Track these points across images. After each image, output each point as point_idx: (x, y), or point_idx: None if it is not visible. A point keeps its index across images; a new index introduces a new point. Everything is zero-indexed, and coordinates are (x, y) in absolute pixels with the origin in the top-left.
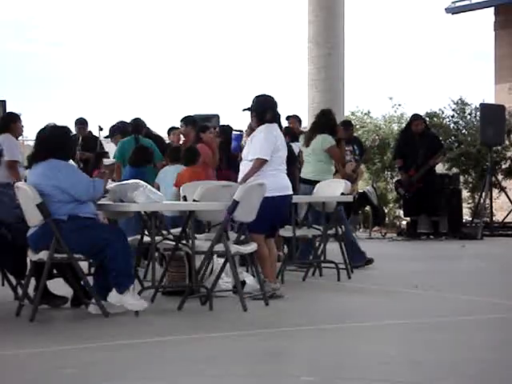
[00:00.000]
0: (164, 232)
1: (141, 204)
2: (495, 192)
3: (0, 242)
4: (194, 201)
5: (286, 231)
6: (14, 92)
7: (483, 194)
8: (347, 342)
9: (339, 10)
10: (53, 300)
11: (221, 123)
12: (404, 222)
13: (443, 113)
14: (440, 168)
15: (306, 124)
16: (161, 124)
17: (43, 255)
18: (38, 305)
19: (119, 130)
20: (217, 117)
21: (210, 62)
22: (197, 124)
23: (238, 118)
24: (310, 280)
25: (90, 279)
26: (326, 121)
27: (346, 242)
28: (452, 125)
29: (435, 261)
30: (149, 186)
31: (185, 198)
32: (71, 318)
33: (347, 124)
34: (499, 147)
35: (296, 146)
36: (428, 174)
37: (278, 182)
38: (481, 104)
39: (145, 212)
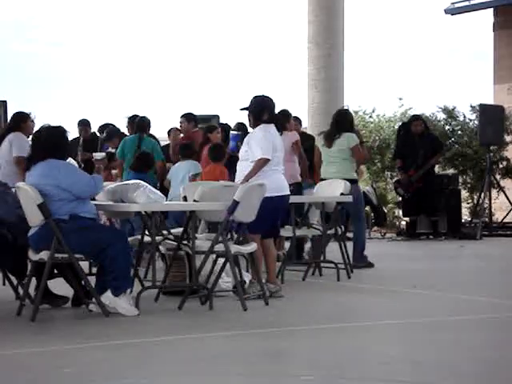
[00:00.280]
0: (164, 232)
1: (141, 204)
2: (494, 192)
3: (0, 242)
4: (195, 201)
5: (285, 231)
6: (14, 92)
7: (482, 194)
8: (347, 342)
9: (339, 10)
10: (53, 300)
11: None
12: (403, 222)
13: (436, 117)
14: (436, 168)
15: (305, 124)
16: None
17: (44, 255)
18: (39, 304)
19: (117, 134)
20: (217, 117)
21: (210, 62)
22: (197, 122)
23: (238, 119)
24: (310, 280)
25: (91, 279)
26: (346, 120)
27: (357, 241)
28: (447, 127)
29: (435, 261)
30: (149, 186)
31: (185, 198)
32: (72, 317)
33: None
34: (496, 147)
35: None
36: (427, 174)
37: (275, 183)
38: (480, 104)
39: (145, 212)
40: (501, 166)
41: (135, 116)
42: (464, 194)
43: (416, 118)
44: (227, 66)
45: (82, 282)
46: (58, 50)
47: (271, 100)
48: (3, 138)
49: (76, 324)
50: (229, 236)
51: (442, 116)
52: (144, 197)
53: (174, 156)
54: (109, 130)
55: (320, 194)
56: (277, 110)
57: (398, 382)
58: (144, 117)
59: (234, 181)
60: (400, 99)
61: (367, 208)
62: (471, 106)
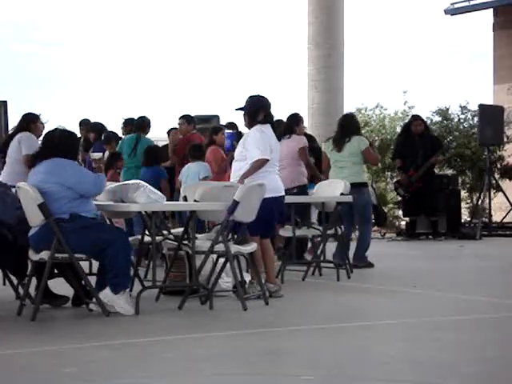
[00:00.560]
0: (165, 232)
1: (141, 204)
2: (492, 192)
3: (1, 242)
4: (195, 201)
5: (285, 231)
6: (14, 92)
7: (482, 194)
8: (347, 342)
9: (339, 10)
10: (54, 299)
11: (220, 123)
12: (403, 222)
13: (432, 121)
14: (435, 169)
15: (305, 124)
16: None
17: (44, 255)
18: (39, 304)
19: (114, 138)
20: (217, 117)
21: (210, 62)
22: (195, 124)
23: (237, 119)
24: (310, 280)
25: (91, 279)
26: (352, 124)
27: (362, 242)
28: (444, 128)
29: (435, 261)
30: (149, 186)
31: (185, 198)
32: (72, 317)
33: None
34: (494, 147)
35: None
36: (427, 174)
37: (271, 184)
38: (479, 104)
39: (145, 212)
40: (499, 165)
41: (131, 119)
42: (463, 194)
43: (416, 118)
44: (227, 66)
45: (83, 282)
46: (58, 50)
47: (267, 100)
48: (12, 138)
49: (76, 324)
50: (229, 236)
51: (437, 119)
52: (144, 197)
53: (173, 157)
54: (107, 133)
55: (320, 193)
56: (278, 112)
57: (398, 381)
58: (144, 117)
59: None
60: (404, 92)
61: None
62: (460, 107)
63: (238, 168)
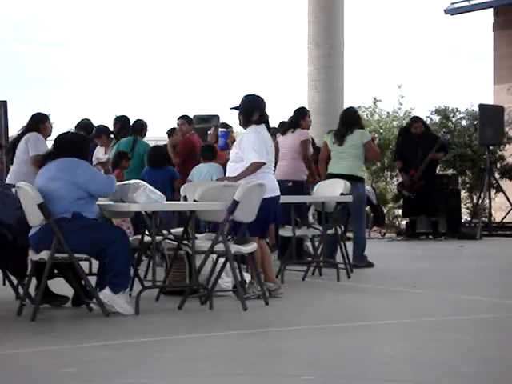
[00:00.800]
0: (164, 232)
1: (141, 204)
2: (492, 192)
3: (1, 242)
4: (195, 201)
5: (285, 231)
6: (14, 92)
7: (482, 194)
8: (347, 342)
9: (339, 10)
10: (54, 299)
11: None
12: (403, 222)
13: (432, 120)
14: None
15: None
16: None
17: (44, 255)
18: (39, 304)
19: (104, 131)
20: (217, 117)
21: (210, 62)
22: (194, 125)
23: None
24: (310, 280)
25: (91, 279)
26: (355, 118)
27: (357, 240)
28: (443, 129)
29: (435, 261)
30: (149, 186)
31: (185, 198)
32: (72, 317)
33: None
34: (494, 147)
35: None
36: (428, 174)
37: (269, 184)
38: (479, 104)
39: (145, 212)
40: (499, 165)
41: (123, 116)
42: (463, 194)
43: (416, 119)
44: (227, 65)
45: (83, 282)
46: (58, 50)
47: (262, 99)
48: (21, 138)
49: (76, 324)
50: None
51: (436, 119)
52: (144, 197)
53: (175, 158)
54: (96, 127)
55: (320, 193)
56: (278, 112)
57: (398, 381)
58: (140, 120)
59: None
60: (399, 87)
61: (367, 208)
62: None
63: (233, 169)
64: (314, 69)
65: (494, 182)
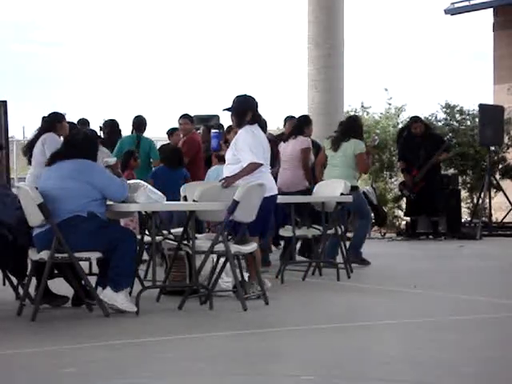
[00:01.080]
0: (164, 232)
1: (141, 204)
2: (493, 192)
3: (1, 242)
4: (194, 201)
5: (285, 231)
6: (14, 92)
7: (482, 194)
8: (347, 342)
9: (339, 10)
10: (54, 300)
11: (220, 123)
12: (403, 222)
13: (436, 117)
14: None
15: None
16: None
17: (44, 255)
18: (39, 304)
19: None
20: (217, 117)
21: (210, 62)
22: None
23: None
24: (310, 280)
25: (91, 279)
26: (355, 127)
27: (355, 236)
28: (447, 127)
29: (435, 261)
30: (149, 186)
31: (185, 198)
32: (72, 317)
33: None
34: (497, 147)
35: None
36: (430, 174)
37: (268, 184)
38: (479, 104)
39: (145, 212)
40: (500, 165)
41: (111, 120)
42: (464, 194)
43: (415, 119)
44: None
45: (83, 282)
46: (58, 50)
47: (254, 99)
48: (38, 138)
49: (76, 324)
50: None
51: (441, 116)
52: (144, 197)
53: (185, 158)
54: (78, 120)
55: (320, 193)
56: (278, 112)
57: (398, 381)
58: (140, 115)
59: None
60: (386, 90)
61: None
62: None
63: (230, 171)
64: (313, 69)
65: (495, 182)
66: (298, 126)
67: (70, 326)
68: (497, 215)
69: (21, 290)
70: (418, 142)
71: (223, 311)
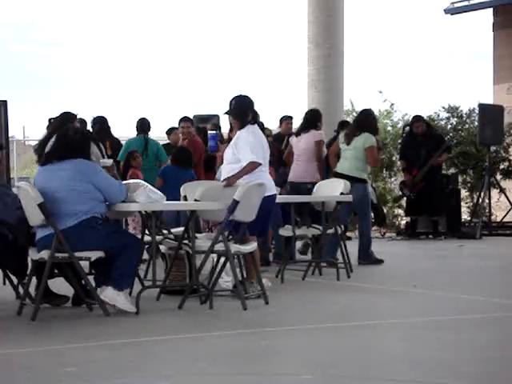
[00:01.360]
0: (165, 231)
1: (141, 204)
2: (495, 193)
3: (1, 241)
4: (196, 200)
5: (285, 231)
6: (14, 92)
7: (482, 193)
8: (347, 342)
9: (339, 10)
10: (54, 299)
11: (221, 123)
12: (403, 222)
13: (439, 116)
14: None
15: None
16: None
17: (44, 254)
18: (40, 304)
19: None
20: (217, 117)
21: (210, 62)
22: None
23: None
24: (310, 279)
25: (91, 279)
26: (368, 120)
27: (362, 238)
28: (449, 126)
29: (434, 260)
30: (149, 186)
31: (185, 198)
32: (72, 317)
33: (345, 124)
34: (498, 147)
35: None
36: (430, 174)
37: (267, 184)
38: (479, 104)
39: (145, 211)
40: (502, 166)
41: (100, 117)
42: (464, 193)
43: (417, 119)
44: (228, 65)
45: (83, 282)
46: (58, 49)
47: (251, 99)
48: (50, 138)
49: (76, 324)
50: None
51: (444, 115)
52: (144, 196)
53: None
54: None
55: (320, 193)
56: (278, 112)
57: (397, 381)
58: (144, 118)
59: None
60: (380, 92)
61: None
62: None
63: (230, 170)
64: (313, 69)
65: (495, 181)
66: (311, 120)
67: (70, 325)
68: (497, 215)
69: (21, 290)
70: (419, 141)
71: (223, 311)
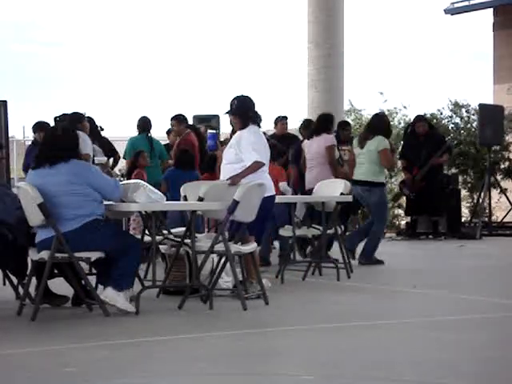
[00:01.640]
0: (165, 232)
1: (141, 204)
2: (495, 193)
3: (1, 241)
4: (199, 198)
5: (286, 231)
6: (14, 92)
7: (482, 194)
8: (347, 342)
9: (339, 11)
10: (54, 299)
11: (221, 123)
12: (403, 222)
13: (442, 113)
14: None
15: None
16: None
17: (44, 255)
18: (39, 304)
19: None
20: (217, 117)
21: (210, 62)
22: (187, 122)
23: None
24: (310, 280)
25: (91, 279)
26: (381, 124)
27: (370, 239)
28: (451, 125)
29: (435, 261)
30: (149, 186)
31: (185, 198)
32: (72, 317)
33: (345, 124)
34: (498, 147)
35: None
36: (431, 174)
37: (267, 183)
38: (479, 104)
39: (145, 212)
40: (502, 166)
41: (88, 117)
42: (464, 193)
43: (419, 118)
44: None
45: (83, 282)
46: (58, 49)
47: (252, 100)
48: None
49: (76, 324)
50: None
51: (447, 113)
52: (144, 196)
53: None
54: (37, 121)
55: (320, 193)
56: (277, 111)
57: (397, 381)
58: (146, 116)
59: None
60: (381, 93)
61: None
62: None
63: (232, 170)
64: (313, 69)
65: (495, 182)
66: (323, 123)
67: (69, 325)
68: (497, 215)
69: (21, 290)
70: (421, 141)
71: (223, 311)
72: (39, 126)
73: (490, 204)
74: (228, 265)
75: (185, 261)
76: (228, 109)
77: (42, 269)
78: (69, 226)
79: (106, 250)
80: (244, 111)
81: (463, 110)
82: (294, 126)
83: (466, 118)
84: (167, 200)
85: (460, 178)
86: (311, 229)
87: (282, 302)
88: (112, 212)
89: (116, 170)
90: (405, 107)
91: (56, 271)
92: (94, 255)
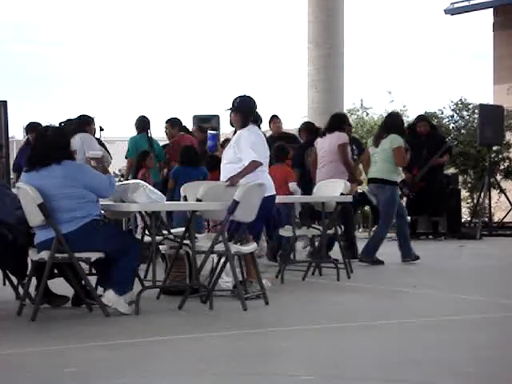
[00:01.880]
0: (165, 232)
1: (141, 204)
2: (495, 193)
3: (1, 241)
4: (197, 200)
5: (285, 231)
6: (14, 92)
7: (482, 194)
8: (347, 342)
9: (339, 11)
10: (54, 299)
11: (221, 124)
12: None
13: (443, 113)
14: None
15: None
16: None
17: (44, 255)
18: (39, 304)
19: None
20: (217, 117)
21: (211, 62)
22: (181, 125)
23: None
24: (310, 280)
25: (91, 279)
26: (395, 122)
27: (373, 238)
28: (452, 125)
29: (435, 261)
30: (149, 186)
31: (185, 198)
32: (72, 317)
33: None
34: (498, 147)
35: None
36: (431, 174)
37: (267, 183)
38: (479, 104)
39: (146, 212)
40: (502, 166)
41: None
42: (464, 193)
43: (421, 118)
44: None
45: (83, 282)
46: (58, 49)
47: (255, 100)
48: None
49: (76, 324)
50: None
51: (448, 113)
52: (144, 196)
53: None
54: (29, 123)
55: (320, 193)
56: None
57: (397, 381)
58: (144, 116)
59: None
60: (389, 93)
61: (366, 208)
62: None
63: (232, 170)
64: (313, 69)
65: (495, 182)
66: (337, 121)
67: (69, 325)
68: (497, 215)
69: (21, 290)
70: (422, 141)
71: (223, 311)
72: (31, 128)
73: (490, 204)
74: (228, 265)
75: (185, 261)
76: (230, 106)
77: (42, 269)
78: (68, 228)
79: (105, 250)
80: (245, 110)
81: (464, 109)
82: (294, 126)
83: (467, 117)
84: (176, 197)
85: (460, 178)
86: (311, 229)
87: (282, 302)
88: (112, 212)
89: (116, 170)
90: (404, 107)
91: (56, 271)
92: (94, 255)
